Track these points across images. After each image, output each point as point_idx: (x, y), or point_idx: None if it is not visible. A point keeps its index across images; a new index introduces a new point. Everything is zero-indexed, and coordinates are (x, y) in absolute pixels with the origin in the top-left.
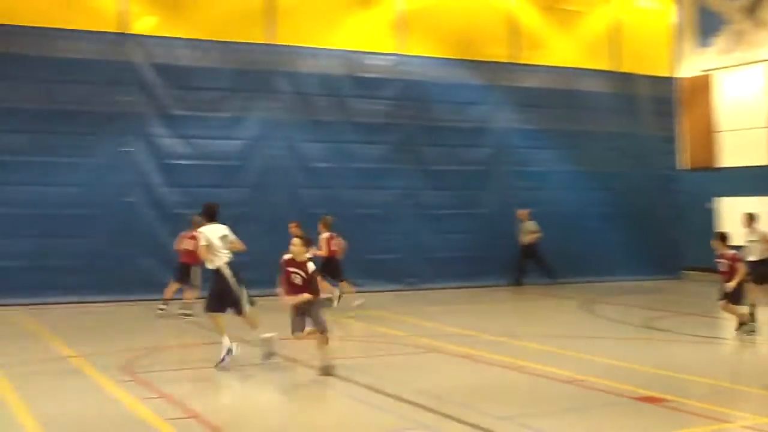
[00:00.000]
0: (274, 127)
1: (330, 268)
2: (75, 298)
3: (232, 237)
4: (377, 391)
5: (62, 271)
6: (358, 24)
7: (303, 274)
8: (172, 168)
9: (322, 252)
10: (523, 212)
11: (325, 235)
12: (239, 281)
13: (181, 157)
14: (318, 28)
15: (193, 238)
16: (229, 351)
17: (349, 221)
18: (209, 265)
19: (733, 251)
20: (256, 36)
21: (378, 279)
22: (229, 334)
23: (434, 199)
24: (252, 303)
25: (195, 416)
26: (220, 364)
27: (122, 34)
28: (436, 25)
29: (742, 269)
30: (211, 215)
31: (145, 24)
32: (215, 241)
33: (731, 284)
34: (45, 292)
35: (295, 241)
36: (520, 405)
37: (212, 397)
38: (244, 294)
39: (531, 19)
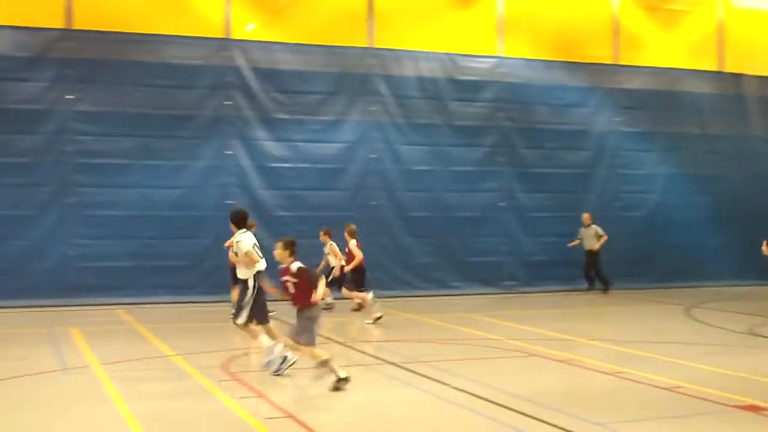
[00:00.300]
0: (373, 129)
1: (356, 276)
2: (178, 299)
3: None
4: (472, 394)
5: (166, 271)
6: (457, 26)
7: (294, 280)
8: (272, 171)
9: (356, 260)
10: (586, 216)
11: (353, 242)
12: (260, 294)
13: (281, 160)
14: (417, 30)
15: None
16: (285, 359)
17: (446, 224)
18: (240, 275)
19: None
20: (356, 39)
21: (474, 282)
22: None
23: (532, 201)
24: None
25: (290, 416)
26: (275, 371)
27: (226, 39)
28: (536, 26)
29: None
30: (244, 222)
31: (247, 30)
32: (253, 249)
33: None
34: (149, 291)
35: (277, 244)
36: (616, 411)
37: (308, 398)
38: (249, 306)
39: (633, 19)
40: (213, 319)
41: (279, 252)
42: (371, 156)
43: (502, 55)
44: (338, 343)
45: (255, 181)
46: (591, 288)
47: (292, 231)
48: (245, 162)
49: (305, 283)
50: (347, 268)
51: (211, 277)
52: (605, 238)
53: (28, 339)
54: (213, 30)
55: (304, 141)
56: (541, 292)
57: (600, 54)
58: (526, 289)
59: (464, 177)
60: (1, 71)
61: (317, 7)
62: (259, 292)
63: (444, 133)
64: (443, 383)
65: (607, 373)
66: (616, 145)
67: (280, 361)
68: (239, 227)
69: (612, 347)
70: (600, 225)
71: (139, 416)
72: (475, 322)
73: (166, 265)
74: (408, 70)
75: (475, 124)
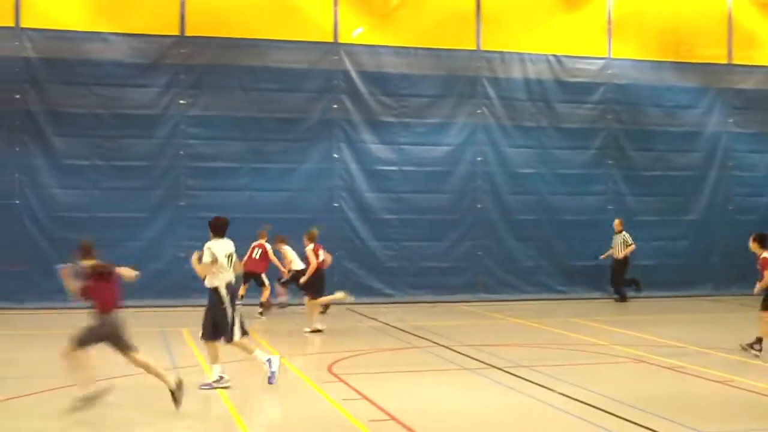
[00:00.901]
0: (480, 132)
1: (313, 281)
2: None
3: (235, 257)
4: (575, 399)
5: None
6: (565, 27)
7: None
8: (379, 174)
9: (310, 267)
10: (617, 222)
11: (310, 247)
12: (234, 305)
13: (387, 163)
14: (524, 32)
15: (261, 247)
16: (221, 378)
17: (552, 227)
18: (207, 284)
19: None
20: (462, 42)
21: (581, 286)
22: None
23: (641, 205)
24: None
25: (394, 419)
26: (203, 386)
27: (333, 43)
28: (645, 26)
29: None
30: (220, 230)
31: (354, 34)
32: (222, 258)
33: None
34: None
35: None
36: (723, 419)
37: (411, 401)
38: (237, 319)
39: (748, 17)
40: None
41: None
42: (477, 159)
43: (611, 56)
44: (443, 346)
45: (362, 184)
46: (623, 298)
47: (397, 234)
48: (352, 165)
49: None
50: (303, 279)
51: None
52: (632, 247)
53: (140, 338)
54: (321, 34)
55: (411, 144)
56: (649, 297)
57: (712, 54)
58: (634, 293)
59: (571, 180)
60: (118, 77)
61: (424, 10)
62: (234, 303)
63: (550, 135)
64: (547, 388)
65: (714, 381)
66: (729, 147)
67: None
68: (215, 235)
69: (721, 354)
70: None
71: (245, 416)
72: (580, 327)
73: (273, 267)
74: (515, 72)
75: (583, 126)
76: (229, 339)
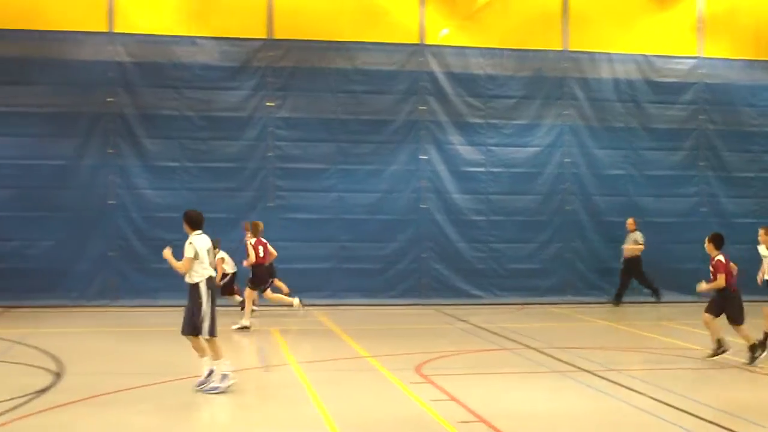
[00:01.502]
0: (567, 133)
1: (254, 276)
2: (371, 301)
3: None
4: (666, 403)
5: (360, 274)
6: (655, 27)
7: None
8: (466, 175)
9: (249, 258)
10: (631, 221)
11: (251, 240)
12: (214, 301)
13: (474, 164)
14: (613, 32)
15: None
16: (211, 372)
17: (642, 229)
18: (188, 279)
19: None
20: (550, 42)
21: (673, 289)
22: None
23: (734, 206)
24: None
25: (484, 421)
26: (198, 387)
27: (419, 45)
28: (738, 25)
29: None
30: (197, 224)
31: (441, 35)
32: (203, 253)
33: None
34: (344, 293)
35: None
36: None
37: (500, 403)
38: (210, 317)
39: None
40: (405, 321)
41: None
42: (565, 160)
43: (702, 56)
44: (532, 348)
45: (449, 185)
46: (619, 302)
47: (485, 235)
48: (439, 166)
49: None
50: (245, 264)
51: (404, 281)
52: (640, 247)
53: (230, 336)
54: (407, 36)
55: (498, 145)
56: (745, 302)
57: None
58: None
59: (661, 181)
60: (208, 80)
61: (510, 10)
62: (213, 299)
63: (640, 136)
64: (639, 392)
65: None
66: None
67: (220, 379)
68: (193, 229)
69: None
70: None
71: (335, 415)
72: (671, 330)
73: (361, 267)
74: (603, 72)
75: (673, 126)
76: (197, 333)
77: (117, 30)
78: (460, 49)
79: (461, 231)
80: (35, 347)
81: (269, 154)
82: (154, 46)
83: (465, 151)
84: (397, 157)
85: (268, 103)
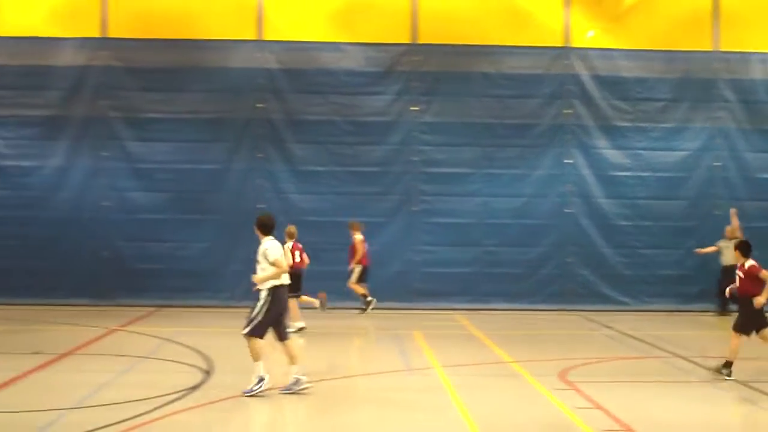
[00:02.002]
0: (718, 136)
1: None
2: (514, 306)
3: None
4: None
5: (504, 278)
6: None
7: None
8: (613, 180)
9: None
10: (731, 228)
11: (288, 244)
12: (275, 308)
13: (621, 168)
14: (766, 31)
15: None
16: (261, 380)
17: None
18: (263, 286)
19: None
20: (699, 43)
21: None
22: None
23: None
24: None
25: (629, 429)
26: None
27: (565, 48)
28: None
29: None
30: (268, 229)
31: (587, 37)
32: (279, 258)
33: None
34: (487, 298)
35: None
36: None
37: (647, 412)
38: (268, 323)
39: None
40: (549, 327)
41: None
42: (715, 164)
43: None
44: (680, 356)
45: (595, 189)
46: (725, 311)
47: (632, 240)
48: (585, 171)
49: None
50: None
51: (548, 286)
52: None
53: (375, 339)
54: (552, 39)
55: (646, 149)
56: None
57: None
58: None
59: None
60: (353, 85)
61: (658, 11)
62: (276, 306)
63: None
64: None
65: None
66: None
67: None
68: (265, 234)
69: None
70: None
71: (478, 420)
72: None
73: (504, 272)
74: (756, 73)
75: None
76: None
77: (266, 38)
78: (607, 52)
79: (607, 236)
80: (186, 345)
81: (413, 158)
82: (302, 53)
83: (611, 155)
84: (542, 161)
85: (412, 108)
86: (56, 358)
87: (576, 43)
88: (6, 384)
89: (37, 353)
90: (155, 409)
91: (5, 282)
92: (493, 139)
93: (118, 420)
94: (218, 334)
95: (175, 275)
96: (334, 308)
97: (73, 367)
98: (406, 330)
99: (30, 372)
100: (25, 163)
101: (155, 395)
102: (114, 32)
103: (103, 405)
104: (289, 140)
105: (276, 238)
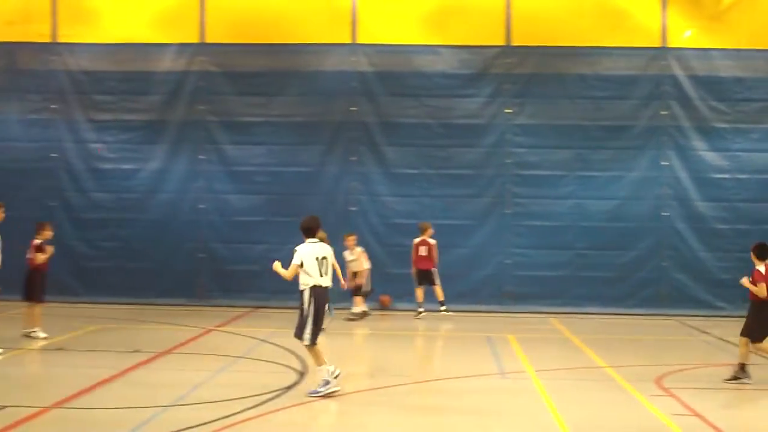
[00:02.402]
0: None
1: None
2: (608, 310)
3: (333, 260)
4: None
5: (597, 282)
6: None
7: None
8: (711, 182)
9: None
10: None
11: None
12: (318, 311)
13: (720, 170)
14: None
15: (424, 244)
16: (326, 382)
17: None
18: (300, 286)
19: None
20: None
21: None
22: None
23: None
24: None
25: None
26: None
27: (662, 48)
28: None
29: None
30: (309, 231)
31: (684, 37)
32: (310, 261)
33: None
34: (580, 302)
35: None
36: None
37: (746, 420)
38: (317, 326)
39: None
40: (643, 331)
41: None
42: None
43: None
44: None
45: (692, 192)
46: None
47: (730, 245)
48: (681, 173)
49: None
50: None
51: (642, 290)
52: None
53: (468, 342)
54: (649, 39)
55: (745, 150)
56: None
57: None
58: None
59: None
60: (447, 88)
61: (759, 8)
62: (318, 307)
63: None
64: None
65: None
66: None
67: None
68: (307, 236)
69: None
70: None
71: (571, 425)
72: None
73: (598, 275)
74: None
75: None
76: (299, 337)
77: (360, 41)
78: (705, 51)
79: (704, 240)
80: (280, 346)
81: (507, 160)
82: (395, 56)
83: (709, 156)
84: (637, 163)
85: (505, 110)
86: (154, 357)
87: (673, 43)
88: (105, 381)
89: (135, 351)
90: (249, 408)
91: (105, 281)
92: (587, 141)
93: (213, 419)
94: None
95: (270, 277)
96: (429, 311)
97: (169, 365)
98: (498, 333)
99: (128, 370)
100: (125, 167)
101: (249, 395)
102: (211, 38)
103: (199, 403)
104: (382, 143)
105: (323, 241)
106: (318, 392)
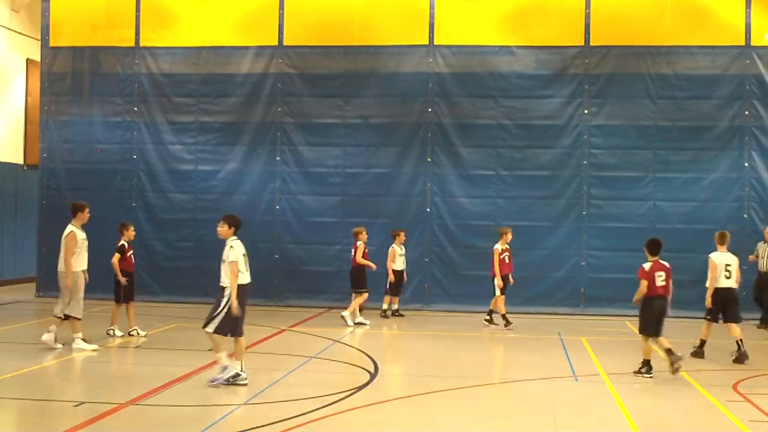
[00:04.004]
0: None
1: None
2: (686, 313)
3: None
4: None
5: (676, 285)
6: None
7: None
8: None
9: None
10: None
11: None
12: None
13: None
14: None
15: (507, 251)
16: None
17: None
18: (222, 282)
19: None
20: None
21: None
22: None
23: None
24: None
25: None
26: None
27: (745, 47)
28: None
29: None
30: (237, 227)
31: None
32: (240, 258)
33: None
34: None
35: None
36: None
37: None
38: (229, 319)
39: None
40: (721, 336)
41: None
42: None
43: None
44: None
45: None
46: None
47: None
48: (765, 174)
49: None
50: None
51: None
52: None
53: (541, 344)
54: (732, 38)
55: None
56: None
57: None
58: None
59: None
60: (525, 89)
61: None
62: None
63: None
64: None
65: None
66: None
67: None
68: (235, 232)
69: None
70: None
71: (645, 430)
72: None
73: (675, 279)
74: None
75: None
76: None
77: (437, 42)
78: None
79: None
80: (354, 346)
81: (584, 162)
82: (472, 57)
83: None
84: (718, 164)
85: (583, 111)
86: (228, 356)
87: (757, 41)
88: (180, 379)
89: (209, 350)
90: (322, 407)
91: (181, 281)
92: (666, 142)
93: (286, 417)
94: (384, 336)
95: (345, 278)
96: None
97: (244, 364)
98: (572, 336)
99: (202, 368)
100: (203, 168)
101: (322, 394)
102: (289, 40)
103: (272, 402)
104: (458, 144)
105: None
106: (217, 379)
